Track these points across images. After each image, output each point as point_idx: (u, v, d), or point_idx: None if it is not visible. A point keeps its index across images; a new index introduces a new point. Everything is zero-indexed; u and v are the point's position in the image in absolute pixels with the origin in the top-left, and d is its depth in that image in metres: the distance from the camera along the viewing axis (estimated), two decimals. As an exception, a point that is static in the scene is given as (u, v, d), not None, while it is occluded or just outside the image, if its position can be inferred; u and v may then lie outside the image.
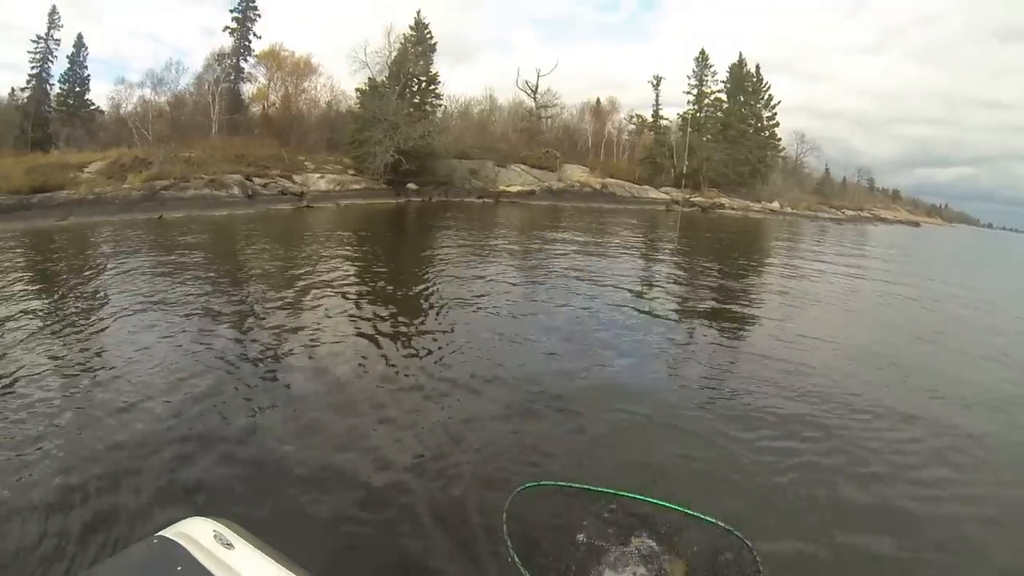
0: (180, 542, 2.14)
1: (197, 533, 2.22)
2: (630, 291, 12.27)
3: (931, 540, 4.37)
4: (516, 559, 3.20)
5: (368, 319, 8.90)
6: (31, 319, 7.96)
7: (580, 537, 3.64)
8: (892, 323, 12.10)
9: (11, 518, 3.84)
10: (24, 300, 8.98)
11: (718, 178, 43.09)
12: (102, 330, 7.70)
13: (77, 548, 3.63)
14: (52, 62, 35.02)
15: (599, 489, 3.85)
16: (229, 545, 2.18)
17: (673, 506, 3.65)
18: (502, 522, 3.45)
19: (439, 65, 36.97)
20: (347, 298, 10.07)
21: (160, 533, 2.21)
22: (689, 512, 3.57)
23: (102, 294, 9.57)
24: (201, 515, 2.36)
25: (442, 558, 3.76)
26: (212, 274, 11.47)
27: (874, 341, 10.03)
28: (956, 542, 4.35)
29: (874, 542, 4.19)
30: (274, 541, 2.31)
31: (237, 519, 2.38)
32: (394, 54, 33.99)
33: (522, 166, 36.80)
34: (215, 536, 2.22)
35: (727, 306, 12.04)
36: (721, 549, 3.41)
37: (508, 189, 34.67)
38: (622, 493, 3.80)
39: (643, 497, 3.73)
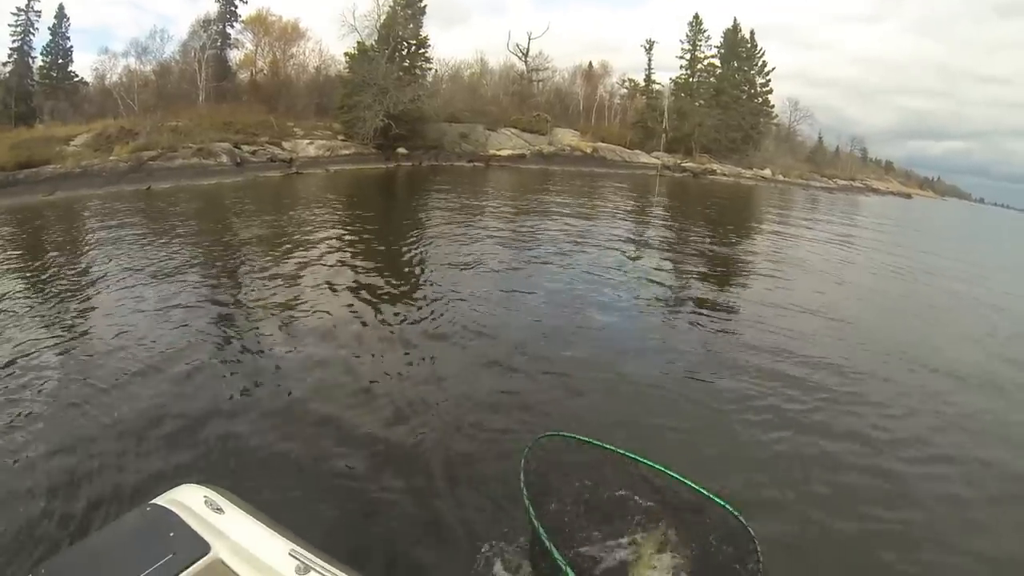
0: (172, 508, 2.28)
1: (188, 499, 2.36)
2: (616, 257, 12.37)
3: (912, 498, 4.61)
4: (531, 510, 3.22)
5: (358, 286, 9.00)
6: (21, 296, 8.05)
7: (592, 494, 3.70)
8: (883, 294, 12.32)
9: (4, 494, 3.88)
10: (13, 277, 9.04)
11: (710, 144, 42.97)
12: (92, 305, 7.77)
13: (71, 519, 3.68)
14: (34, 34, 34.26)
15: (618, 451, 3.87)
16: (219, 510, 2.31)
17: (687, 481, 3.66)
18: (520, 469, 3.49)
19: (429, 28, 36.64)
20: (338, 265, 10.13)
21: (153, 501, 2.35)
22: (700, 490, 3.60)
23: (91, 268, 9.61)
24: (192, 482, 2.52)
25: (450, 510, 3.88)
26: (201, 245, 11.52)
27: (863, 312, 10.21)
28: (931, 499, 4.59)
29: (868, 511, 4.35)
30: (264, 507, 2.50)
31: (228, 487, 2.58)
32: (383, 17, 33.45)
33: (513, 130, 36.66)
34: (206, 502, 2.35)
35: (713, 273, 12.14)
36: (723, 530, 3.43)
37: (498, 153, 34.57)
38: (641, 459, 3.81)
39: (660, 467, 3.75)
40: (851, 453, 5.11)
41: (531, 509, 3.23)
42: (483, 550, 3.46)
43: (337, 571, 2.12)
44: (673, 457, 4.02)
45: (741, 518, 3.42)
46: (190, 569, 2.04)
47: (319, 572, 2.10)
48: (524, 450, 3.68)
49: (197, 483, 2.52)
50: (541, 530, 3.08)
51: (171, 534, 2.14)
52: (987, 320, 11.08)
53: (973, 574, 3.96)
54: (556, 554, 2.91)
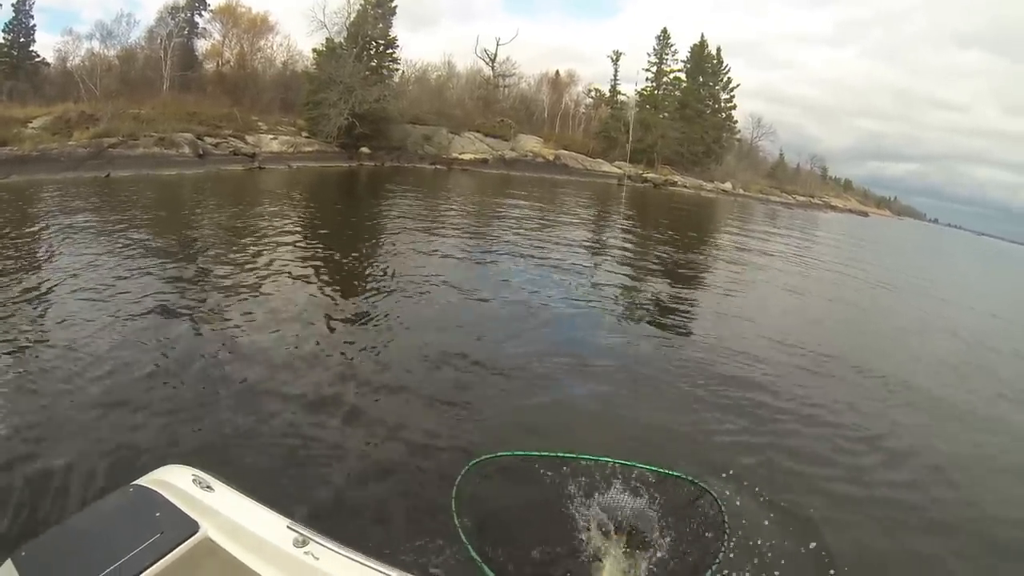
0: (157, 489, 2.22)
1: (175, 479, 2.29)
2: (571, 266, 12.52)
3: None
4: (469, 546, 2.96)
5: (315, 286, 9.02)
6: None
7: (539, 508, 3.57)
8: (836, 302, 13.27)
9: None
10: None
11: (672, 156, 44.24)
12: (47, 299, 7.44)
13: (49, 500, 3.66)
14: (-4, 9, 33.62)
15: (557, 454, 3.70)
16: (209, 488, 2.25)
17: (636, 464, 3.65)
18: (451, 507, 3.16)
19: (398, 29, 36.88)
20: (296, 265, 10.06)
21: (136, 482, 2.29)
22: (650, 468, 3.63)
23: (43, 259, 9.27)
24: (178, 463, 2.45)
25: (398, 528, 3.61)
26: (158, 239, 11.27)
27: (818, 323, 10.89)
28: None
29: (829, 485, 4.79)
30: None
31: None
32: (353, 15, 33.67)
33: (476, 134, 37.25)
34: (194, 480, 2.28)
35: (669, 286, 12.29)
36: (685, 499, 3.53)
37: (461, 157, 35.17)
38: (584, 456, 3.68)
39: (604, 458, 3.69)
40: (805, 433, 5.75)
41: (469, 546, 2.98)
42: None
43: (335, 546, 2.06)
44: (624, 447, 4.27)
45: (699, 483, 3.51)
46: (179, 548, 1.99)
47: (318, 544, 2.06)
48: (455, 481, 3.35)
49: (184, 464, 2.45)
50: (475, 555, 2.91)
51: (157, 514, 2.08)
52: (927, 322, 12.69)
53: (921, 530, 4.48)
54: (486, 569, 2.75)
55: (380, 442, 4.68)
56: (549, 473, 3.71)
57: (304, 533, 2.08)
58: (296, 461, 4.29)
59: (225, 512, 2.14)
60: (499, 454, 3.65)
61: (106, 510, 2.18)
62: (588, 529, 3.42)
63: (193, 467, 2.40)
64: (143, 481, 2.29)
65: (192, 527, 2.06)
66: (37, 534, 2.12)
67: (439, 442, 4.69)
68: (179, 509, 2.12)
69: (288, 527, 2.11)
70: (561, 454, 3.70)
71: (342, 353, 6.50)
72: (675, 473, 3.62)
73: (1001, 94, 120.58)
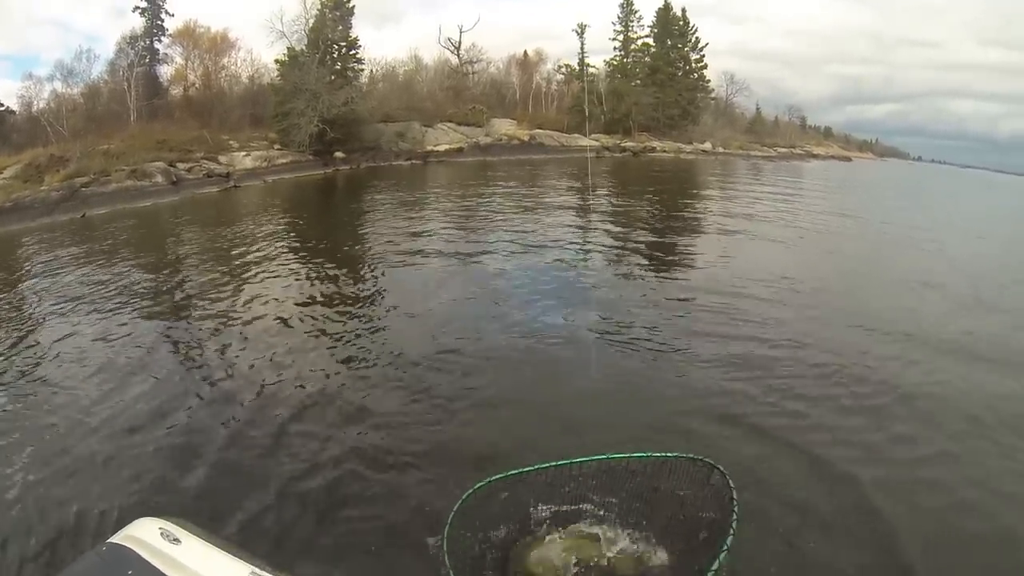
0: (129, 546, 2.23)
1: (144, 534, 2.32)
2: (555, 247, 12.61)
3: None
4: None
5: (295, 298, 9.21)
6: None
7: (535, 526, 3.44)
8: (828, 254, 13.25)
9: None
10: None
11: (648, 122, 44.07)
12: (35, 344, 7.70)
13: (31, 560, 3.79)
14: (-47, 63, 33.40)
15: (548, 465, 3.51)
16: (176, 541, 2.30)
17: (631, 455, 3.52)
18: (442, 549, 3.00)
19: (362, 28, 36.66)
20: (274, 277, 10.34)
21: (110, 540, 2.31)
22: (649, 455, 3.50)
23: (25, 306, 9.49)
24: (148, 515, 2.50)
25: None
26: (137, 270, 11.45)
27: (812, 275, 10.78)
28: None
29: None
30: (220, 530, 2.70)
31: (184, 514, 2.62)
32: (311, 21, 33.44)
33: (449, 124, 37.15)
34: (162, 534, 2.31)
35: (657, 251, 12.59)
36: (690, 478, 3.40)
37: (436, 149, 35.10)
38: (577, 460, 3.52)
39: (600, 457, 3.54)
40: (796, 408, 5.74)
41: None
42: None
43: None
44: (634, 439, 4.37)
45: (703, 459, 3.37)
46: None
47: None
48: (446, 520, 3.18)
49: (153, 516, 2.52)
50: None
51: (129, 572, 2.12)
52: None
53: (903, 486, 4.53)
54: None
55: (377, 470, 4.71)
56: (544, 486, 3.58)
57: None
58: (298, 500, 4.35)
59: (192, 566, 2.18)
60: (489, 480, 3.41)
61: (81, 573, 2.24)
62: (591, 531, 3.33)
63: (161, 518, 2.46)
64: (116, 538, 2.33)
65: None
66: None
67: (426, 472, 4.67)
68: (151, 565, 2.15)
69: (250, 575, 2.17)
70: (557, 464, 3.50)
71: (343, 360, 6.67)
72: (674, 455, 3.49)
73: (975, 27, 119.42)
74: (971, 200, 37.30)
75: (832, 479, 4.52)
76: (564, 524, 3.40)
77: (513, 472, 3.45)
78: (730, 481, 3.18)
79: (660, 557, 3.13)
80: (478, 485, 3.34)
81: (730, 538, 2.84)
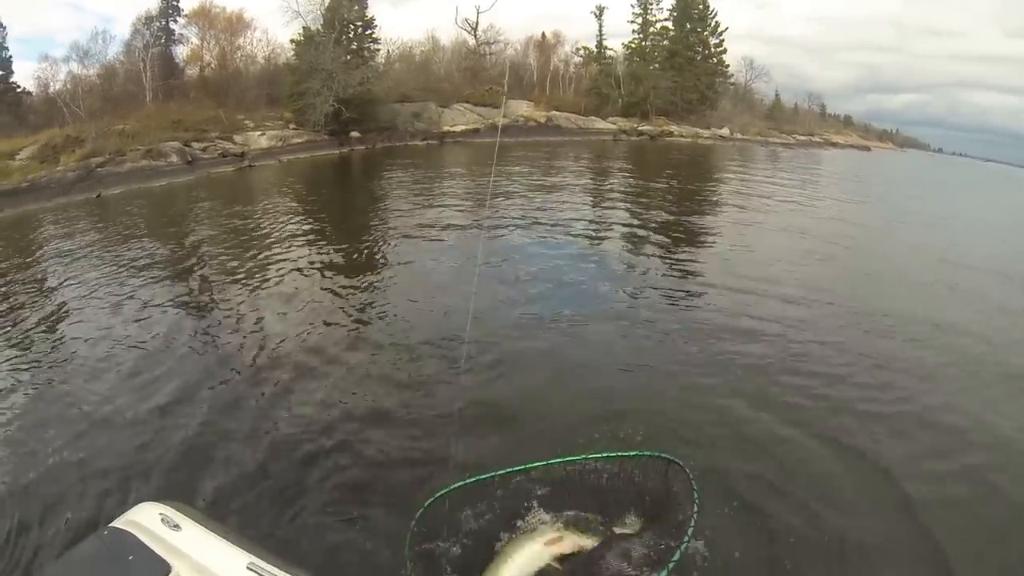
0: (130, 530, 2.27)
1: (145, 519, 2.34)
2: (571, 231, 12.58)
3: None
4: None
5: (313, 279, 9.13)
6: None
7: (497, 532, 3.42)
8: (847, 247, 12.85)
9: None
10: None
11: (666, 106, 43.43)
12: (54, 328, 7.66)
13: (34, 544, 3.81)
14: (-31, 47, 33.49)
15: (509, 471, 3.50)
16: (176, 527, 2.31)
17: (591, 456, 3.60)
18: (405, 557, 3.06)
19: (379, 7, 36.28)
20: (295, 263, 10.07)
21: (111, 524, 2.34)
22: (612, 455, 3.57)
23: (44, 290, 9.39)
24: (150, 500, 2.53)
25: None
26: (151, 250, 11.34)
27: (830, 272, 10.60)
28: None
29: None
30: (222, 518, 2.64)
31: (187, 499, 2.75)
32: (327, 1, 33.27)
33: (466, 105, 36.78)
34: (162, 519, 2.33)
35: (673, 240, 12.24)
36: (652, 475, 3.47)
37: (452, 129, 34.75)
38: (535, 464, 3.54)
39: (561, 459, 3.57)
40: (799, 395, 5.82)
41: None
42: None
43: None
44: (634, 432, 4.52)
45: (663, 455, 3.45)
46: None
47: None
48: (410, 525, 3.21)
49: (154, 500, 2.52)
50: None
51: (130, 557, 2.14)
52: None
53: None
54: None
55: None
56: (507, 491, 3.54)
57: (264, 571, 2.14)
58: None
59: (191, 552, 2.20)
60: (451, 488, 3.38)
61: (82, 557, 2.23)
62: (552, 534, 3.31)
63: (162, 503, 2.45)
64: (117, 523, 2.34)
65: (164, 569, 2.11)
66: None
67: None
68: (151, 551, 2.17)
69: (248, 566, 2.17)
70: (517, 469, 3.51)
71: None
72: (633, 453, 3.58)
73: (1002, 16, 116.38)
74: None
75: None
76: (527, 528, 3.39)
77: (471, 479, 3.44)
78: (690, 475, 3.30)
79: (624, 554, 3.14)
80: (438, 494, 3.32)
81: (691, 529, 3.01)
